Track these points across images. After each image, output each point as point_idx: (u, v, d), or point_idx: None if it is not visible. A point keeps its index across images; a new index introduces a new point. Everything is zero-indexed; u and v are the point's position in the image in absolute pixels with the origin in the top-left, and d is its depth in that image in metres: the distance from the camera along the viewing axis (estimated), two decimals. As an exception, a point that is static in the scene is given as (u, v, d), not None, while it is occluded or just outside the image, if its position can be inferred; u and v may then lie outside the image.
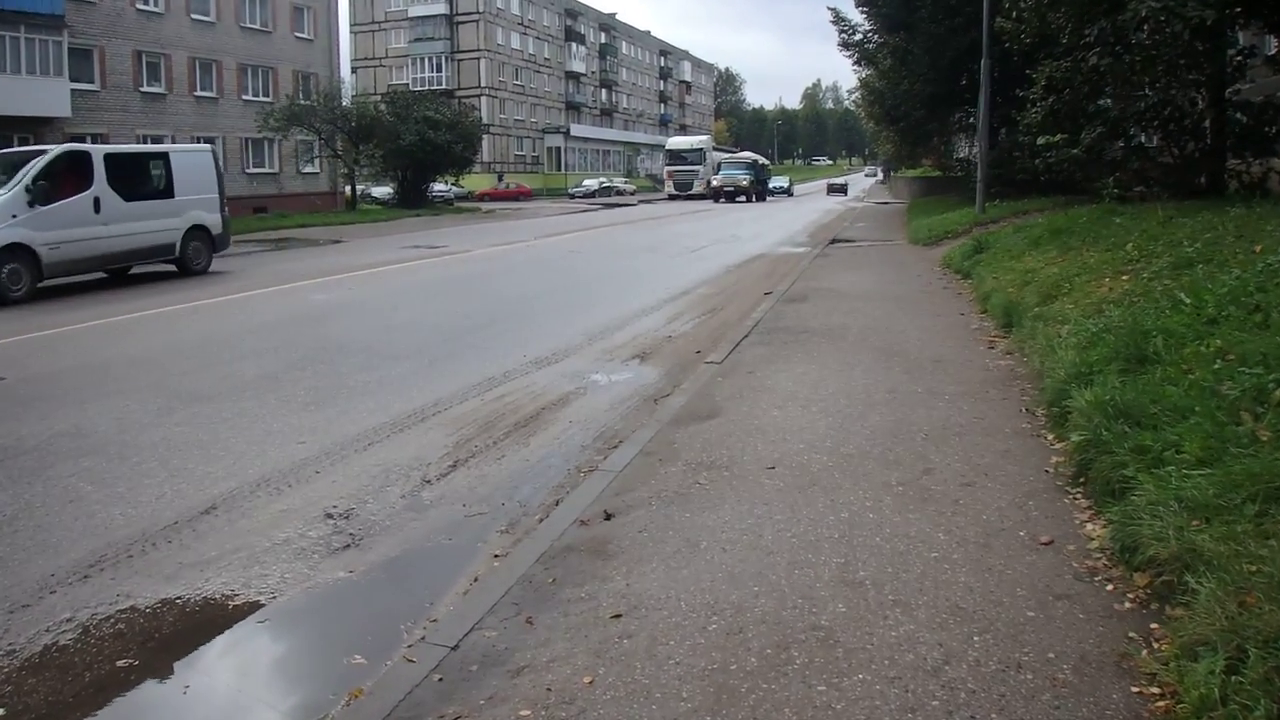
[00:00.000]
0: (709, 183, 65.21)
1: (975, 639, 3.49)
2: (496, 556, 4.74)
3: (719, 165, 66.56)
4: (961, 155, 38.75)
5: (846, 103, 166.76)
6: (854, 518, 4.72)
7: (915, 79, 28.87)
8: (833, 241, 23.43)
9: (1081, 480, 5.01)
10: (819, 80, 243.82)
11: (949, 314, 11.10)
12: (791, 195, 74.61)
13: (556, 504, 5.37)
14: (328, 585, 4.50)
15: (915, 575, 4.04)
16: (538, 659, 3.53)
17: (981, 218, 21.30)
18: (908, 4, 27.50)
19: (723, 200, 58.80)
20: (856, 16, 32.78)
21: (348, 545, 4.94)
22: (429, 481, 5.89)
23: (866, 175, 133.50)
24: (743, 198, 59.55)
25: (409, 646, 3.80)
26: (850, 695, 3.15)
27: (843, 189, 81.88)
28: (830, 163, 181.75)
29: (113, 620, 4.19)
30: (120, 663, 3.85)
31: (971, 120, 28.85)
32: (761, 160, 71.40)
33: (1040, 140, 19.81)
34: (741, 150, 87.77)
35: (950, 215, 24.38)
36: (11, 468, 6.33)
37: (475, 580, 4.46)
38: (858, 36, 33.37)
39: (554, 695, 3.26)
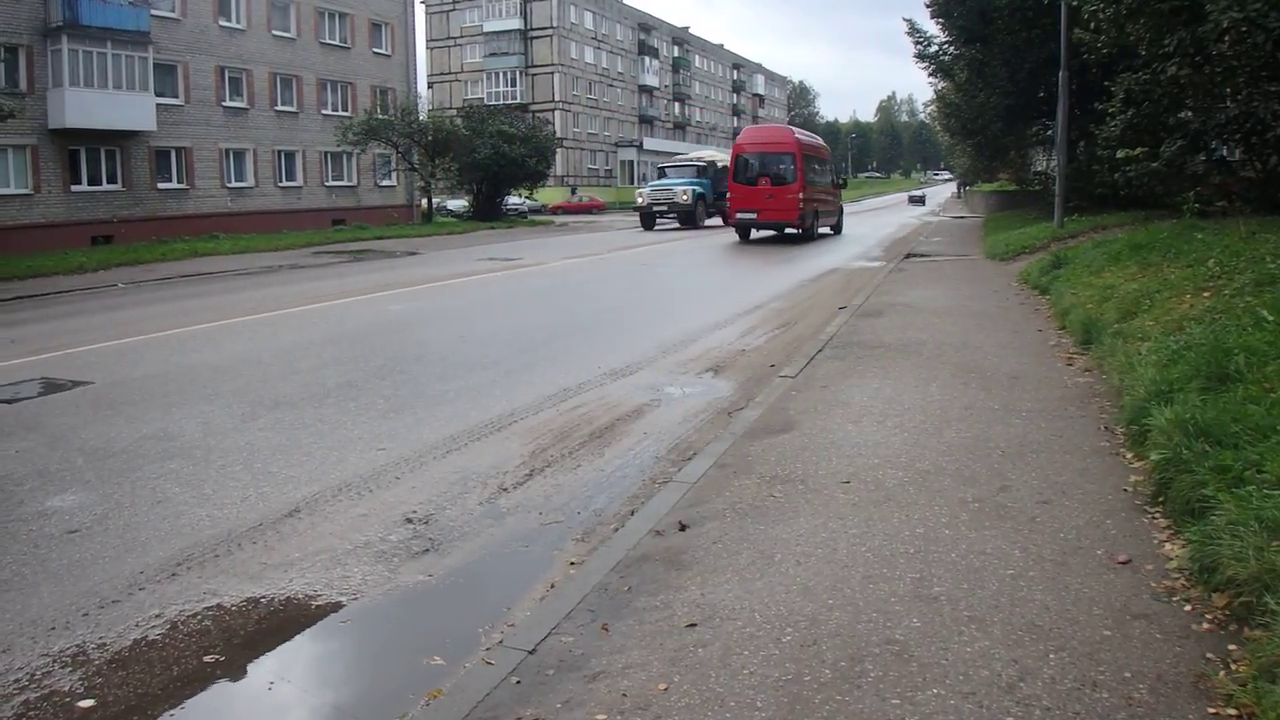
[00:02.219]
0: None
1: (1051, 656, 3.46)
2: (572, 564, 4.80)
3: (661, 171, 43.24)
4: (1039, 169, 38.25)
5: (921, 115, 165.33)
6: (929, 533, 4.70)
7: (992, 91, 28.52)
8: (908, 256, 23.21)
9: (1160, 499, 4.93)
10: (893, 93, 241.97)
11: (1027, 330, 10.96)
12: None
13: (631, 514, 5.41)
14: (407, 588, 4.60)
15: (991, 592, 4.01)
16: (613, 665, 3.57)
17: (1060, 232, 20.97)
18: (984, 15, 27.20)
19: (656, 228, 38.64)
20: (932, 28, 32.51)
21: (427, 550, 5.04)
22: (506, 489, 5.98)
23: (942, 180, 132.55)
24: (673, 220, 38.28)
25: (487, 649, 3.86)
26: (924, 710, 3.14)
27: (921, 200, 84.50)
28: (905, 177, 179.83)
29: (199, 617, 4.32)
30: (207, 658, 3.96)
31: (1049, 133, 28.45)
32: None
33: (1120, 154, 19.49)
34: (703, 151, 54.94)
35: (1028, 230, 24.04)
36: (101, 469, 6.56)
37: (552, 587, 4.52)
38: (933, 48, 33.11)
39: (629, 701, 3.30)
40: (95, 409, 8.31)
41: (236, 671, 3.90)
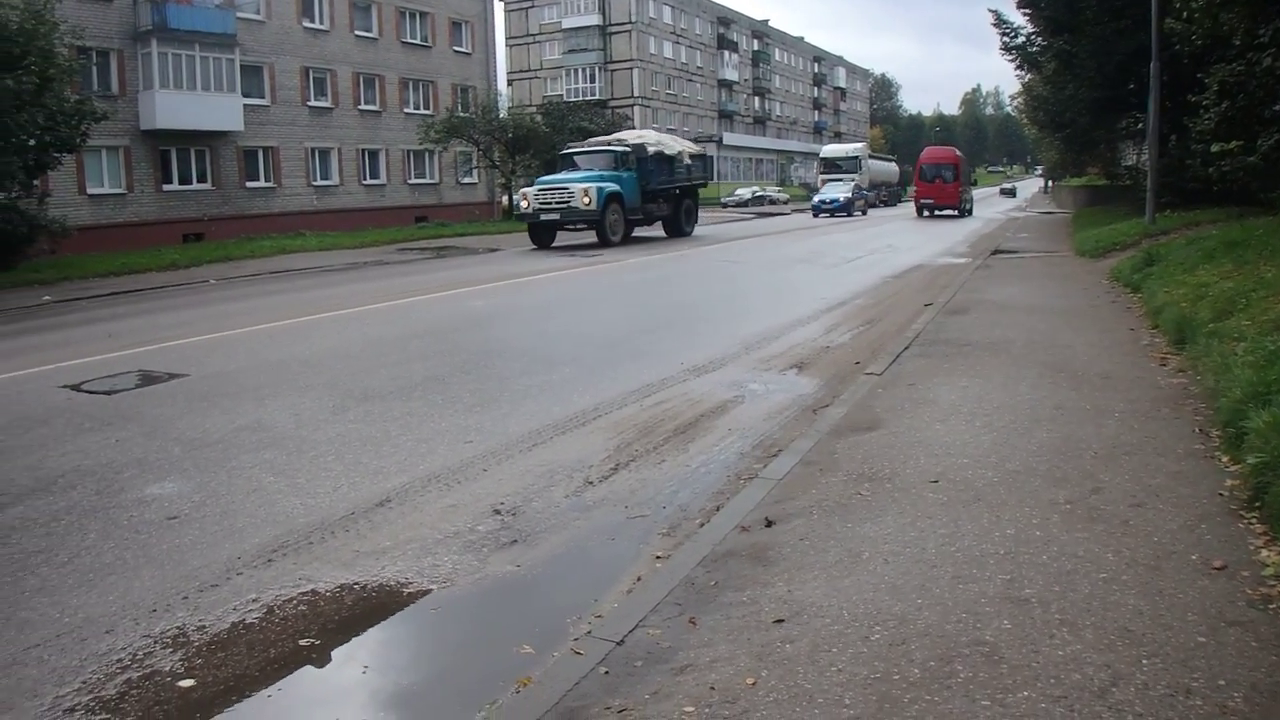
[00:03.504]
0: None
1: (1144, 662, 3.40)
2: (658, 558, 4.83)
3: (565, 160, 31.16)
4: (1129, 163, 37.33)
5: (1008, 108, 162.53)
6: (1020, 534, 4.63)
7: (1080, 83, 27.85)
8: (994, 252, 22.83)
9: (1257, 504, 4.79)
10: (978, 85, 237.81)
11: (1118, 329, 10.73)
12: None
13: (717, 509, 5.43)
14: (496, 577, 4.67)
15: (1083, 595, 3.95)
16: (701, 658, 3.59)
17: (1151, 229, 20.49)
18: (1071, 5, 26.53)
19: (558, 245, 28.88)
20: (1018, 18, 31.88)
21: (514, 541, 5.11)
22: (591, 483, 6.03)
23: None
24: (581, 225, 28.26)
25: (575, 640, 3.90)
26: (1015, 712, 3.11)
27: (1012, 192, 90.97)
28: (1001, 171, 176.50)
29: (295, 602, 4.43)
30: (302, 642, 4.07)
31: (1139, 127, 27.76)
32: (670, 148, 32.03)
33: (1214, 148, 18.92)
34: (657, 132, 41.11)
35: (1118, 226, 23.49)
36: (199, 458, 6.76)
37: (638, 580, 4.55)
38: (1020, 39, 32.49)
39: (717, 694, 3.31)
40: (191, 400, 8.56)
41: (331, 656, 4.00)
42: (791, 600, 4.03)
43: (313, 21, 37.94)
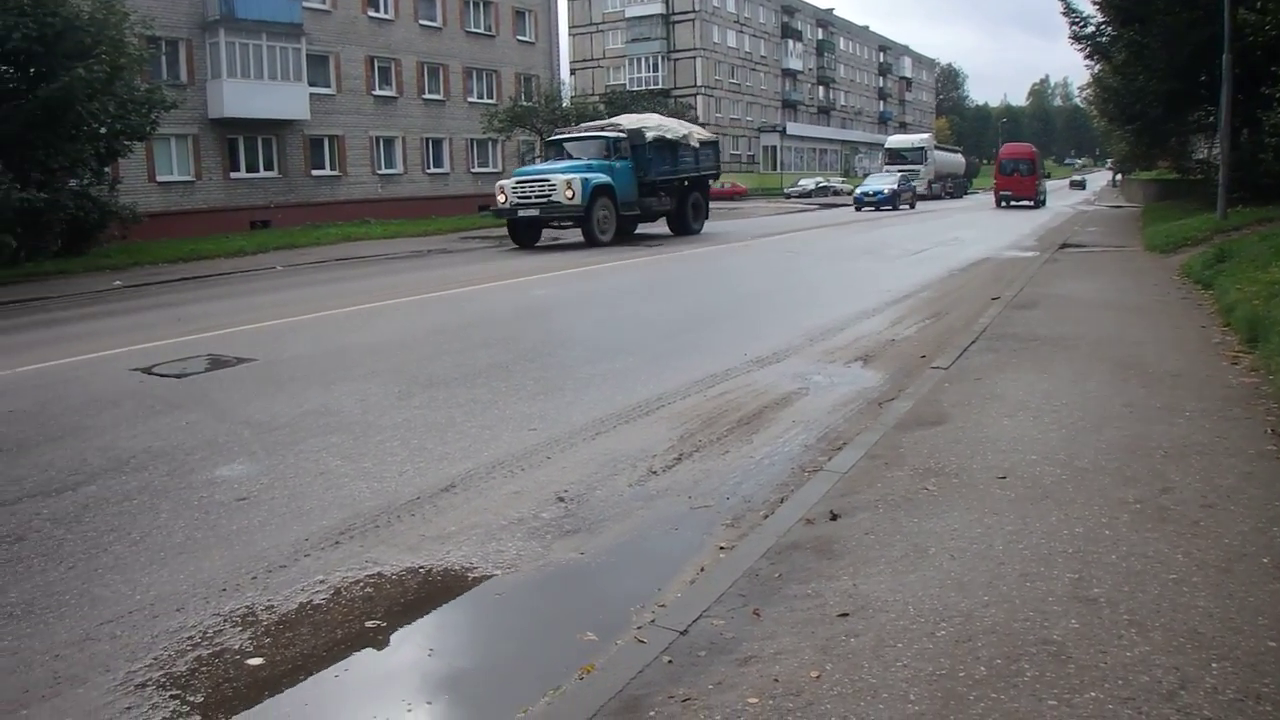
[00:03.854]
0: (929, 183, 62.12)
1: (1213, 665, 3.34)
2: (722, 549, 4.83)
3: (552, 149, 27.92)
4: (1200, 157, 36.55)
5: (1076, 100, 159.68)
6: (1088, 533, 4.57)
7: (1151, 75, 27.31)
8: (1062, 246, 22.43)
9: (1333, 508, 4.70)
10: (1046, 76, 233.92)
11: (1188, 326, 10.52)
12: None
13: (781, 501, 5.41)
14: (560, 564, 4.70)
15: (1152, 596, 3.89)
16: (764, 650, 3.59)
17: (1223, 224, 20.05)
18: (1142, -7, 26.11)
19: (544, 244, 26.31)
20: (1087, 7, 31.40)
21: (578, 528, 5.14)
22: (655, 473, 6.05)
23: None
24: (566, 223, 25.63)
25: (638, 628, 3.92)
26: (1081, 713, 3.07)
27: (1082, 184, 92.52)
28: (1059, 163, 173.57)
29: (361, 584, 4.50)
30: (369, 623, 4.12)
31: (1211, 120, 27.20)
32: (672, 132, 28.30)
33: (1288, 142, 18.51)
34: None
35: (1189, 221, 23.01)
36: (267, 441, 6.88)
37: (701, 570, 4.56)
38: (1089, 29, 31.93)
39: (781, 686, 3.31)
40: (259, 384, 8.72)
41: (397, 637, 4.05)
42: (856, 594, 4.02)
43: (378, 11, 38.36)
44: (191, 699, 3.56)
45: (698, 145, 28.96)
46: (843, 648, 3.57)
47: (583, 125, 30.35)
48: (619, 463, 6.23)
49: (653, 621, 3.93)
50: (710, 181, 30.49)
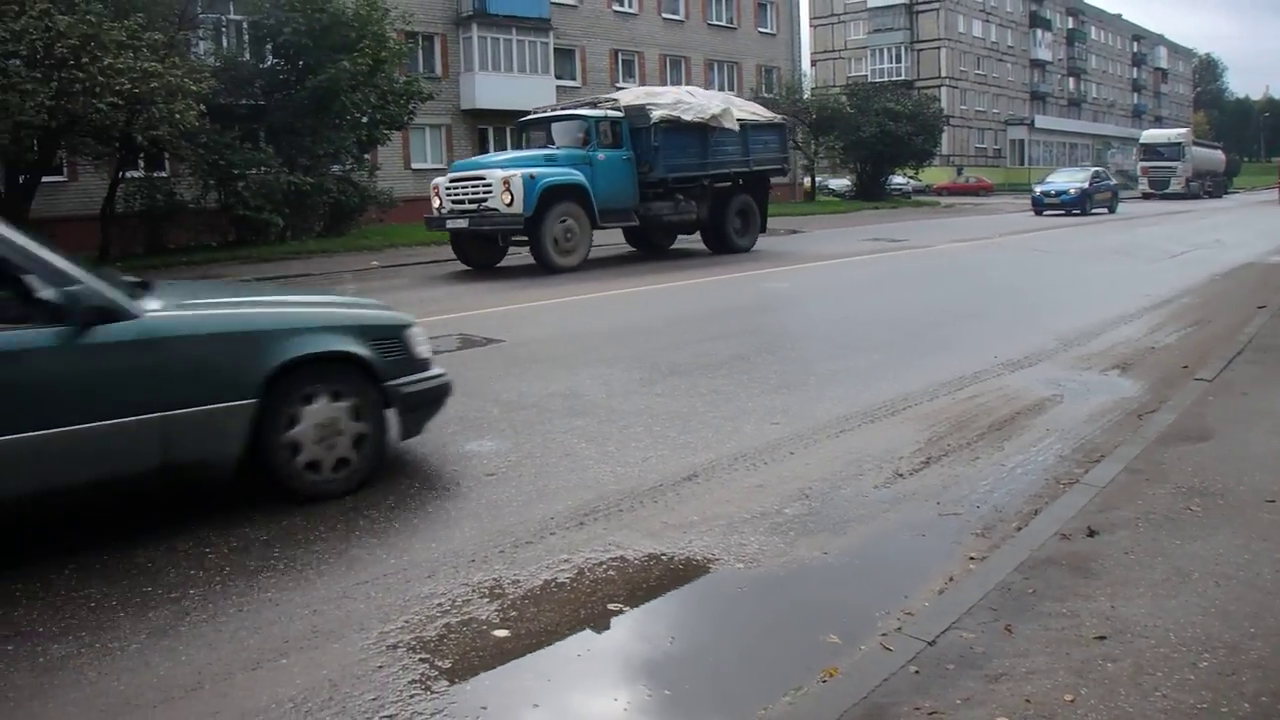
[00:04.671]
0: (1186, 181, 57.70)
1: None
2: (972, 559, 4.61)
3: (520, 133, 21.28)
4: None
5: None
6: (1373, 568, 4.11)
7: None
8: (1342, 252, 20.52)
9: None
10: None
11: None
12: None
13: (1035, 513, 5.12)
14: (803, 562, 4.59)
15: None
16: (1016, 668, 3.39)
17: None
18: None
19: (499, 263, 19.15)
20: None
21: (822, 527, 5.01)
22: (901, 475, 5.84)
23: None
24: (516, 237, 17.94)
25: (884, 635, 3.78)
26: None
27: None
28: None
29: (604, 566, 4.52)
30: (611, 606, 4.13)
31: None
32: (694, 110, 19.51)
33: None
34: None
35: None
36: (514, 419, 7.08)
37: (950, 580, 4.36)
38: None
39: (1033, 708, 3.12)
40: (506, 364, 9.00)
41: (638, 623, 4.05)
42: (1114, 616, 3.75)
43: (622, 5, 39.14)
44: (440, 664, 3.66)
45: (745, 130, 20.85)
46: (1099, 672, 3.35)
47: (547, 107, 22.08)
48: (864, 462, 6.06)
49: (899, 629, 3.79)
50: (769, 180, 22.82)
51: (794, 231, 28.18)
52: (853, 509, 5.27)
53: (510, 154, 19.19)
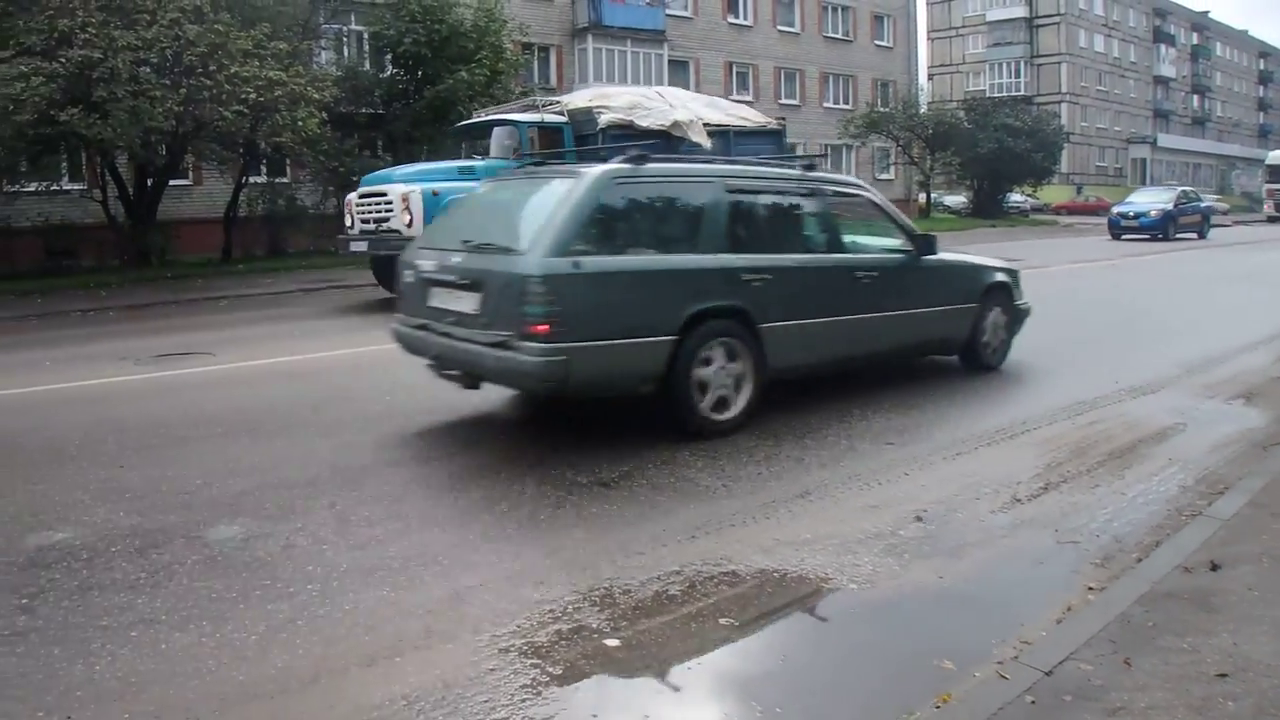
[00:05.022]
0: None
1: None
2: (1090, 589, 4.50)
3: (462, 141, 17.99)
4: None
5: None
6: None
7: None
8: None
9: None
10: None
11: None
12: None
13: (1156, 545, 4.98)
14: (918, 585, 4.54)
15: None
16: (1134, 703, 3.32)
17: None
18: None
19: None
20: None
21: (937, 551, 4.95)
22: (1019, 500, 5.73)
23: None
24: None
25: (999, 663, 3.73)
26: None
27: None
28: None
29: (715, 580, 4.54)
30: (722, 620, 4.14)
31: None
32: (651, 117, 16.68)
33: None
34: None
35: None
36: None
37: (1068, 609, 4.27)
38: None
39: (1151, 744, 3.05)
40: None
41: (750, 638, 4.05)
42: (1237, 654, 3.65)
43: (737, 17, 39.21)
44: (550, 670, 3.72)
45: (729, 137, 17.76)
46: (1219, 710, 3.28)
47: (507, 106, 19.64)
48: (981, 487, 5.96)
49: (1015, 658, 3.74)
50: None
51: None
52: (968, 534, 5.20)
53: (420, 166, 16.66)
